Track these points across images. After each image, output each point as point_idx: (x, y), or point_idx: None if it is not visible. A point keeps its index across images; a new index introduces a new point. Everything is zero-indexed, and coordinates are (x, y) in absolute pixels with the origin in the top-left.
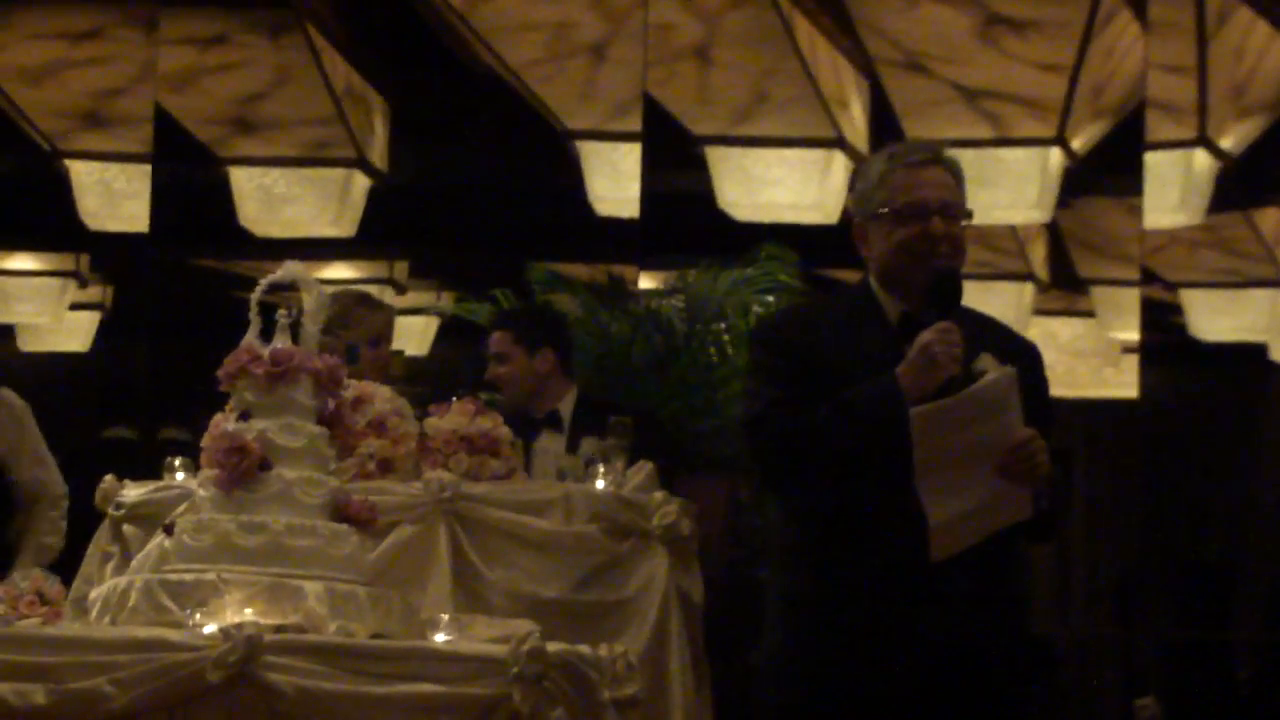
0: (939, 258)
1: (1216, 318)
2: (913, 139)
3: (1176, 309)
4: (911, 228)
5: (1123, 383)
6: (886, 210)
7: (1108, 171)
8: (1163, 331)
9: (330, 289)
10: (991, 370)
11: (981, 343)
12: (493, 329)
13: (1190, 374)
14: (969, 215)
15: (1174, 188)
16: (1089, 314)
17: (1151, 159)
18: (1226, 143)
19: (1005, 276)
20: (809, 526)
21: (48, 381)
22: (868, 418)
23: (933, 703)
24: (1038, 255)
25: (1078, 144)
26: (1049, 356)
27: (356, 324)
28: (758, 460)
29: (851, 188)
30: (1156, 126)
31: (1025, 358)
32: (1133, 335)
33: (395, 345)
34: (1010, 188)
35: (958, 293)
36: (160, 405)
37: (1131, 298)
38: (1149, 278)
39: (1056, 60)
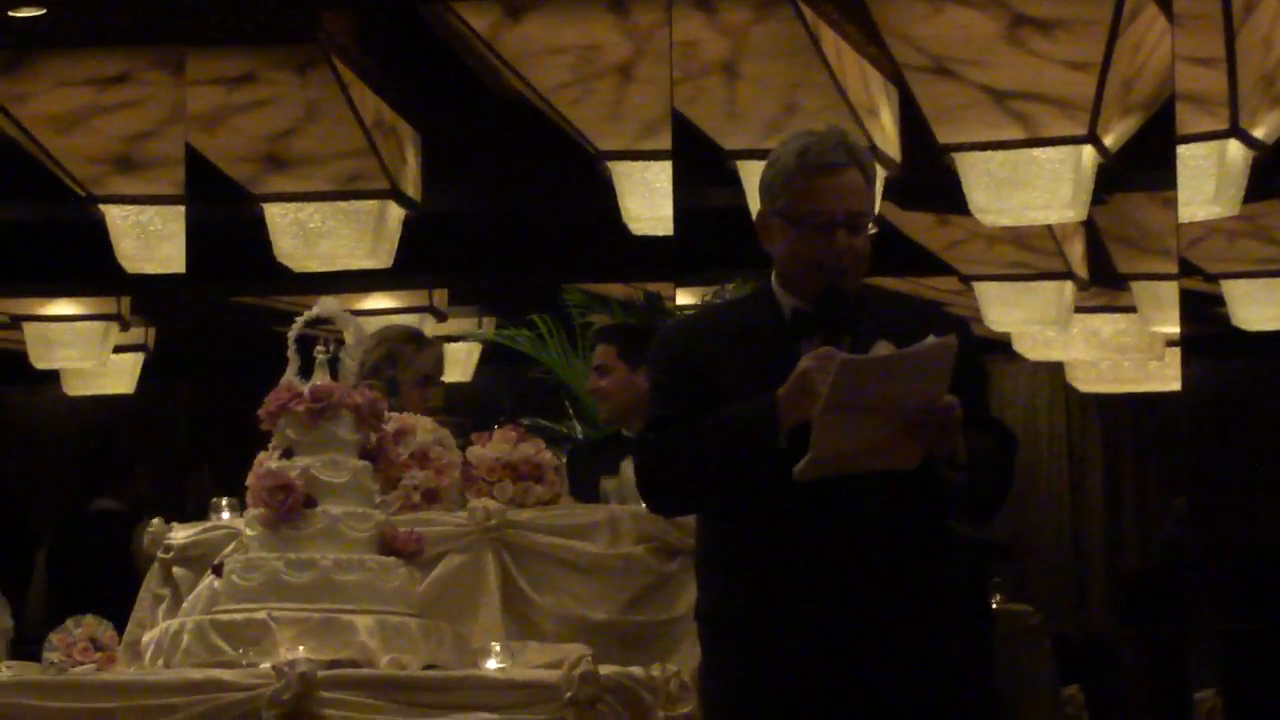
0: (840, 270)
1: (1258, 307)
2: (827, 130)
3: (1217, 300)
4: (813, 238)
5: (1166, 376)
6: (790, 214)
7: (1141, 166)
8: (1204, 323)
9: (372, 323)
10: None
11: (890, 325)
12: (597, 341)
13: (1234, 364)
14: (877, 225)
15: (1208, 179)
16: (1130, 309)
17: (1184, 152)
18: (1259, 131)
19: (1044, 276)
20: (707, 543)
21: (91, 425)
22: (741, 438)
23: (856, 713)
24: (1076, 253)
25: (1110, 140)
26: (1092, 354)
27: (406, 364)
28: (637, 481)
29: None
30: (1188, 119)
31: (947, 332)
32: (1174, 328)
33: None
34: (1044, 188)
35: (846, 311)
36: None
37: (1171, 291)
38: (1188, 270)
39: (1084, 58)
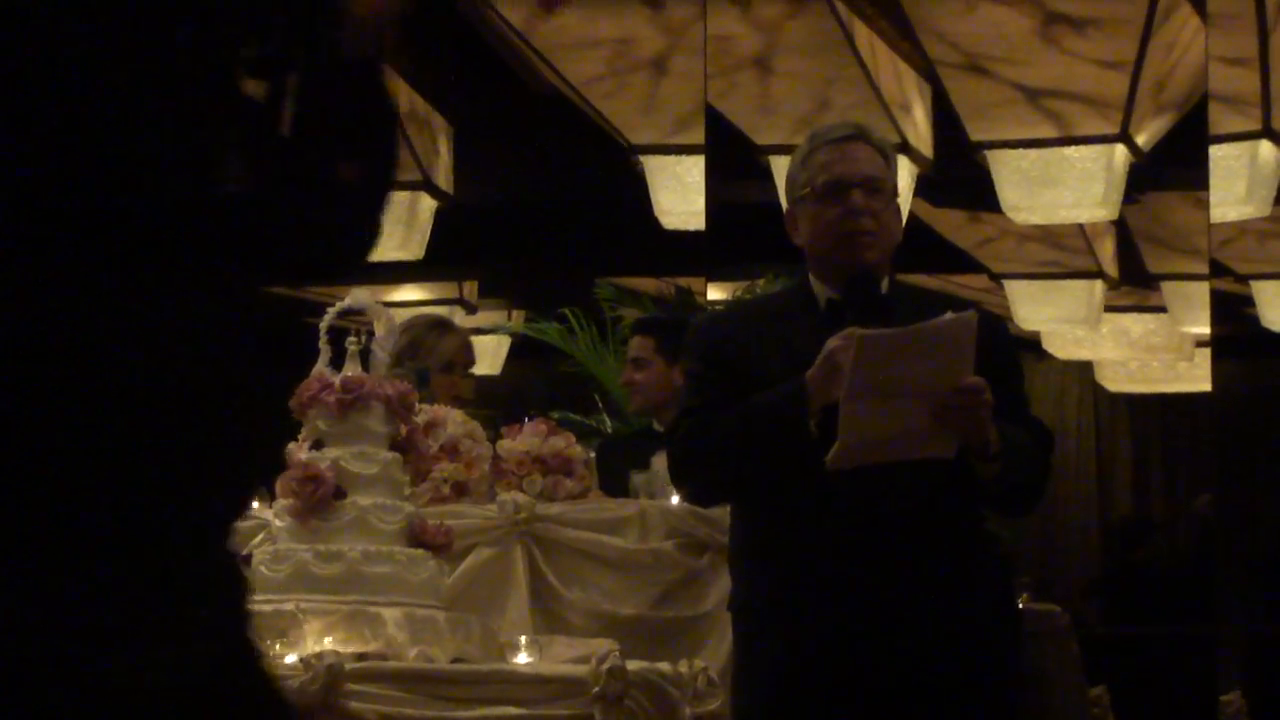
0: (863, 233)
1: None
2: (838, 120)
3: (1248, 301)
4: (833, 206)
5: (1196, 376)
6: (809, 191)
7: (1173, 166)
8: (1235, 323)
9: (402, 314)
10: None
11: (924, 317)
12: (634, 333)
13: (1264, 365)
14: (895, 191)
15: (1240, 180)
16: (1160, 309)
17: (1216, 152)
18: None
19: (1075, 275)
20: (742, 533)
21: None
22: (772, 422)
23: (886, 704)
24: (1106, 252)
25: (1142, 140)
26: (1122, 353)
27: (428, 351)
28: (670, 470)
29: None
30: (1220, 119)
31: (984, 329)
32: (1204, 329)
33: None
34: (1076, 186)
35: (876, 294)
36: None
37: (1202, 291)
38: (1219, 270)
39: (1118, 57)
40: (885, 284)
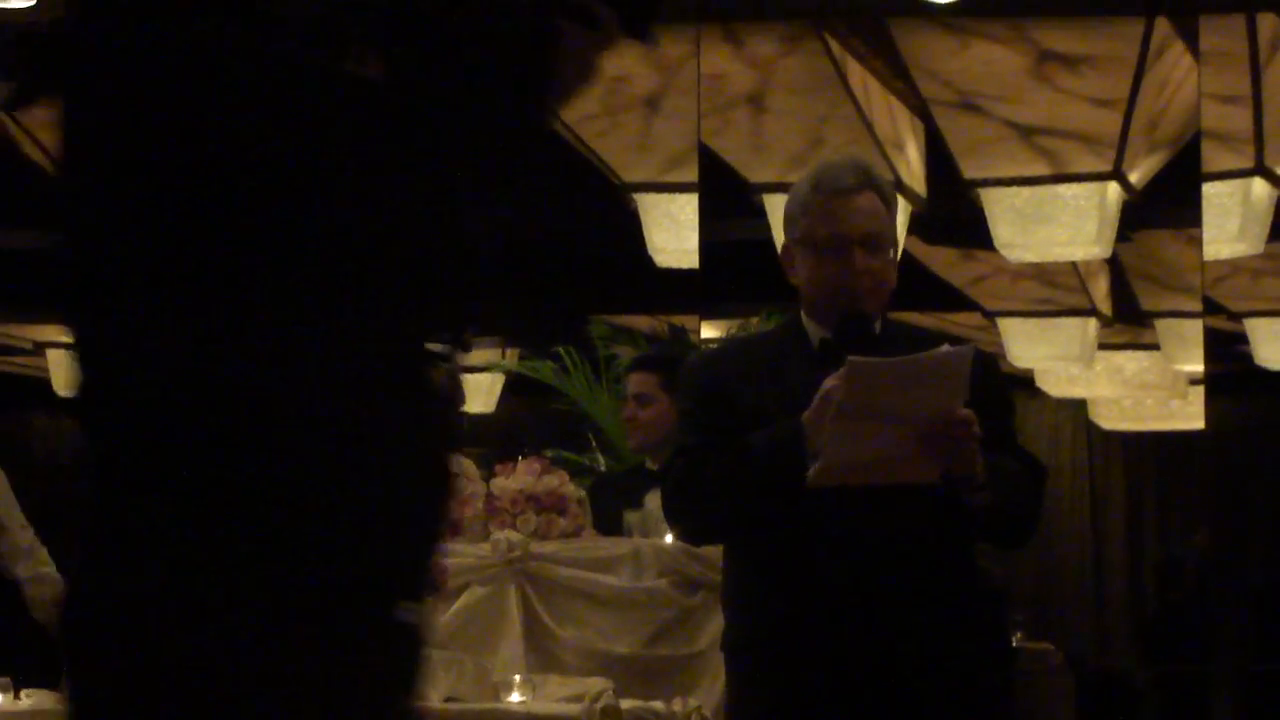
0: (859, 293)
1: None
2: (844, 158)
3: (1241, 338)
4: (831, 262)
5: (1189, 414)
6: (808, 240)
7: (1166, 204)
8: (1227, 361)
9: None
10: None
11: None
12: (633, 370)
13: (1257, 403)
14: (895, 245)
15: (1233, 217)
16: (1154, 347)
17: (1209, 189)
18: None
19: (1069, 313)
20: (735, 573)
21: None
22: (768, 463)
23: None
24: (1100, 290)
25: (1135, 177)
26: (1115, 391)
27: None
28: (664, 509)
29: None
30: (1213, 157)
31: (977, 366)
32: (1198, 366)
33: None
34: (1069, 224)
35: (869, 334)
36: None
37: (1195, 329)
38: (1212, 308)
39: (1111, 95)
40: (878, 324)
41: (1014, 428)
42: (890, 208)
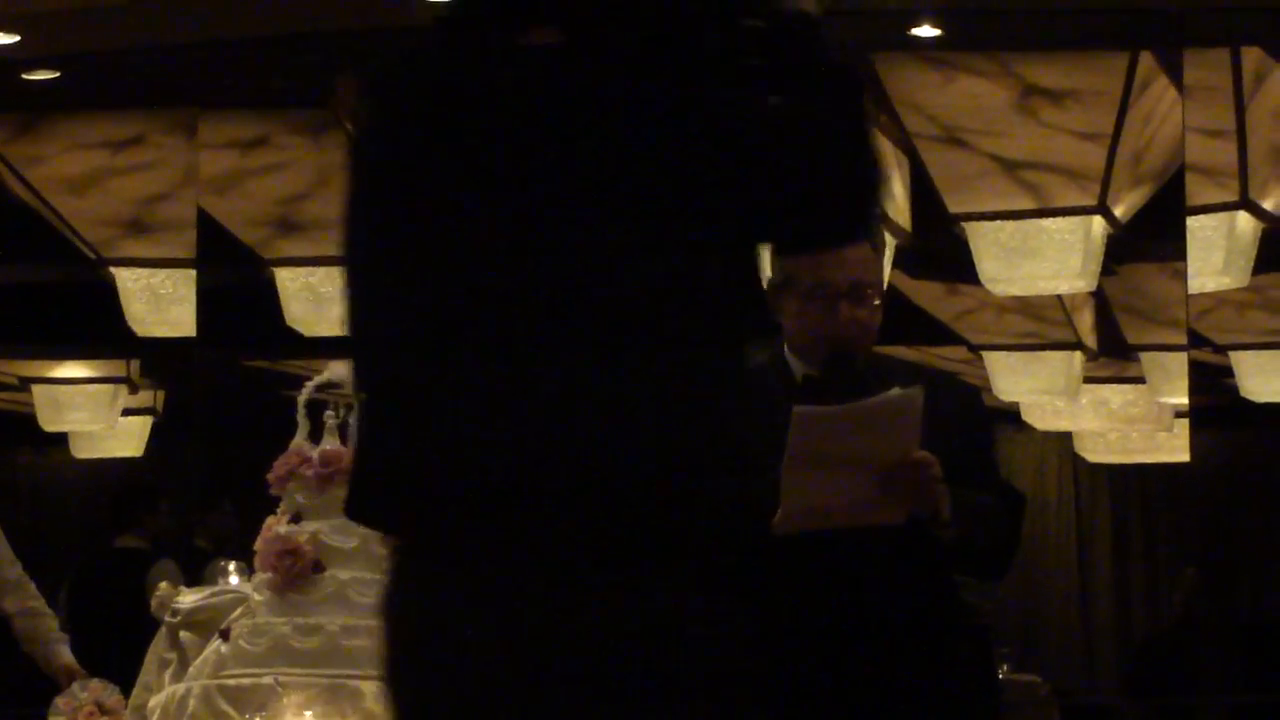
0: (843, 343)
1: (1266, 378)
2: None
3: (1226, 371)
4: (817, 309)
5: (1175, 447)
6: (792, 285)
7: (1151, 238)
8: (1213, 394)
9: None
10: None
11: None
12: None
13: (1242, 436)
14: (882, 293)
15: (1218, 251)
16: (1139, 380)
17: (1194, 223)
18: (1269, 203)
19: (1054, 346)
20: None
21: (102, 487)
22: None
23: None
24: (1085, 324)
25: (1120, 211)
26: (1101, 424)
27: None
28: None
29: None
30: (1197, 190)
31: (957, 400)
32: (1183, 399)
33: None
34: (1054, 258)
35: (854, 376)
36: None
37: (1180, 362)
38: (1197, 341)
39: (1095, 129)
40: (863, 359)
41: (995, 460)
42: (879, 252)
